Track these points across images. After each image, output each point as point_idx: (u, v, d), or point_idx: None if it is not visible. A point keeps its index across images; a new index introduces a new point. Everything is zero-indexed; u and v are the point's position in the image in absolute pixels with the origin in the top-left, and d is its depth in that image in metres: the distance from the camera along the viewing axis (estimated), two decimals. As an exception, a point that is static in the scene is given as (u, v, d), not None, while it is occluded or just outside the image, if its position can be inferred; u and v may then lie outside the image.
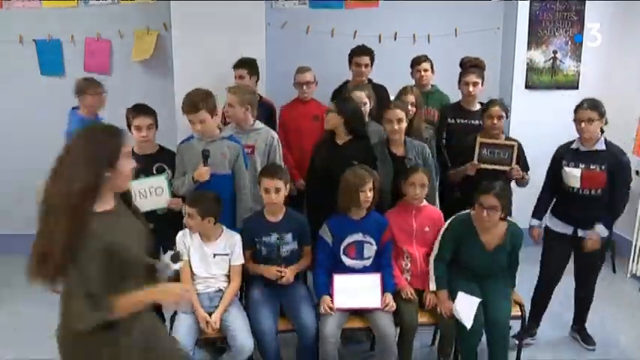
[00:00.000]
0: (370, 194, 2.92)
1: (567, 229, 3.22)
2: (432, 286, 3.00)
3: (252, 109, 3.28)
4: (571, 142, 3.21)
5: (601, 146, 3.11)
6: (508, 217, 3.03)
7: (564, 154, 3.20)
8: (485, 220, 2.89)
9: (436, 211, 3.17)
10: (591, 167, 3.09)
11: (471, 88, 3.72)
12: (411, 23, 4.83)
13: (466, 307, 2.89)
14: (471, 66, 3.87)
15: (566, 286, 3.40)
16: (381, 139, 3.33)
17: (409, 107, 3.39)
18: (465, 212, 3.05)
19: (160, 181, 3.06)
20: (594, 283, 3.34)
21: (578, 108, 3.12)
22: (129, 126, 3.08)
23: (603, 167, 3.08)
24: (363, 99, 3.46)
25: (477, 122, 3.63)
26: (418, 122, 3.52)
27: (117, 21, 4.61)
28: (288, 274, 2.95)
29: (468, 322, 2.84)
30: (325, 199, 3.07)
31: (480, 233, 2.98)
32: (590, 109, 3.05)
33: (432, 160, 3.32)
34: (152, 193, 3.03)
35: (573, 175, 3.12)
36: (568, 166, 3.15)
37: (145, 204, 2.93)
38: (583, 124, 3.06)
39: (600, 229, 3.11)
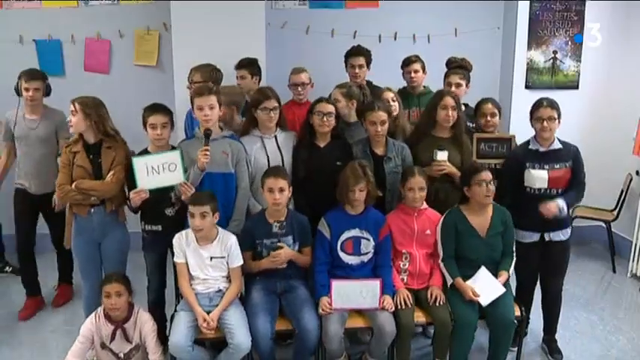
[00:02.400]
0: (359, 195, 2.95)
1: (535, 237, 3.17)
2: (449, 283, 3.01)
3: (238, 109, 3.34)
4: (527, 144, 3.18)
5: (558, 145, 3.10)
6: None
7: (526, 157, 3.14)
8: (489, 194, 2.95)
9: (436, 214, 3.16)
10: (556, 167, 3.07)
11: (453, 89, 3.68)
12: (411, 23, 4.83)
13: (486, 285, 2.93)
14: (456, 67, 3.84)
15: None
16: (362, 138, 3.32)
17: (391, 102, 3.43)
18: (453, 208, 3.10)
19: (173, 157, 2.94)
20: (561, 286, 3.27)
21: (537, 107, 3.10)
22: (144, 125, 3.03)
23: (567, 165, 3.08)
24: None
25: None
26: (403, 122, 3.55)
27: (117, 21, 4.61)
28: (282, 253, 2.94)
29: (484, 301, 2.89)
30: (313, 200, 3.14)
31: (471, 221, 3.02)
32: (551, 108, 3.05)
33: (411, 161, 3.27)
34: (165, 169, 2.92)
35: (540, 176, 3.08)
36: (533, 168, 3.10)
37: (157, 180, 2.90)
38: (545, 123, 3.05)
39: (559, 202, 3.00)
